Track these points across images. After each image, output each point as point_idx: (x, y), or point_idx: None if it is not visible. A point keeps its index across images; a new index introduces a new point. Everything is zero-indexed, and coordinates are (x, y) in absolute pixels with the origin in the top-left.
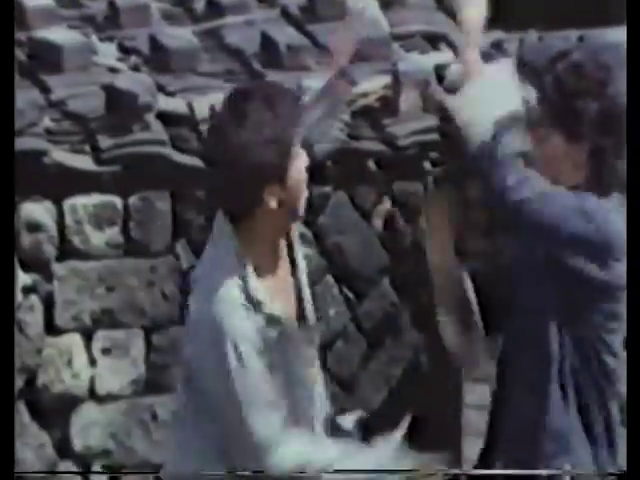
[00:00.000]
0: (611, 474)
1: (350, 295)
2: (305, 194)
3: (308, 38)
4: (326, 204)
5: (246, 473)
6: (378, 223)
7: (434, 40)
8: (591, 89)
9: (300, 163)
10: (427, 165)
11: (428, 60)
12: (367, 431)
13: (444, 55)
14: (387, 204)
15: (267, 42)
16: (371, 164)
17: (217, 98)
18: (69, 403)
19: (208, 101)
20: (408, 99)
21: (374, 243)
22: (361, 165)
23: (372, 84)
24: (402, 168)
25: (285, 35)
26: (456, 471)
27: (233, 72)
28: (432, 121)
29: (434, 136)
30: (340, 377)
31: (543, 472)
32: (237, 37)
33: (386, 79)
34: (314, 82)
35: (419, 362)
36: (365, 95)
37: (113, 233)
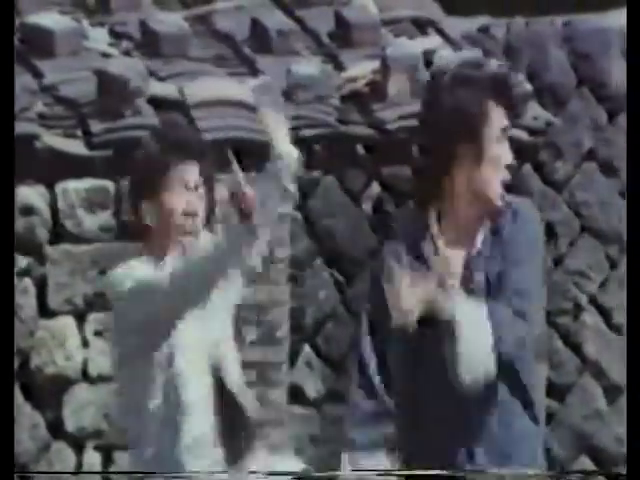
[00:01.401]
0: (611, 474)
1: (340, 277)
2: (176, 238)
3: (298, 23)
4: (316, 188)
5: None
6: (367, 206)
7: (422, 25)
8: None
9: (178, 200)
10: (415, 149)
11: (416, 45)
12: None
13: (432, 40)
14: (376, 188)
15: (257, 27)
16: (360, 148)
17: (207, 83)
18: (62, 384)
19: (198, 86)
20: (397, 84)
21: (363, 226)
22: (350, 149)
23: (361, 69)
24: (391, 152)
25: (275, 20)
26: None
27: (223, 57)
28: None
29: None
30: (330, 358)
31: (549, 473)
32: (227, 22)
33: (375, 64)
34: (303, 67)
35: None
36: (354, 80)
37: (105, 217)
